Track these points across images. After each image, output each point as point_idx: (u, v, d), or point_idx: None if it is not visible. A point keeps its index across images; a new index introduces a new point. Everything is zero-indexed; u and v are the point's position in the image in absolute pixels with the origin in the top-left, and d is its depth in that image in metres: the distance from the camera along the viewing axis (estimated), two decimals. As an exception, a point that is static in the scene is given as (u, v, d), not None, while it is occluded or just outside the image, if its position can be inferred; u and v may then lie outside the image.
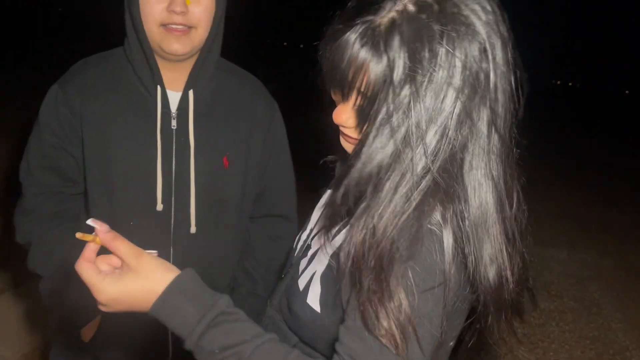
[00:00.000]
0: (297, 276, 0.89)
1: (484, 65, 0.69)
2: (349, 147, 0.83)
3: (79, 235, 0.74)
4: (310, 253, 0.91)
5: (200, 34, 1.13)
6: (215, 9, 1.14)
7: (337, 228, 0.82)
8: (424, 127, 0.68)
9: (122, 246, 0.73)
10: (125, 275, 0.72)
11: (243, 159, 1.25)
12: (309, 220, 1.01)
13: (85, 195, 1.22)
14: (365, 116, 0.73)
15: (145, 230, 1.18)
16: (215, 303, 0.73)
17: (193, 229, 1.21)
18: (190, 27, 1.11)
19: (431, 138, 0.69)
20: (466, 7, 0.69)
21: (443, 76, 0.67)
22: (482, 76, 0.69)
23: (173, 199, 1.19)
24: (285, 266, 1.02)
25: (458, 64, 0.68)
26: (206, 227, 1.22)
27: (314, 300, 0.82)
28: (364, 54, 0.70)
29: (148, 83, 1.17)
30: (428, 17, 0.68)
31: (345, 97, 0.75)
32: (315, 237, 0.92)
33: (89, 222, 0.74)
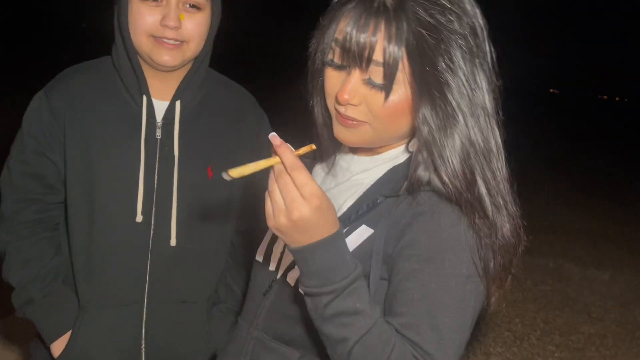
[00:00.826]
0: (289, 290, 0.88)
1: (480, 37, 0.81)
2: (346, 134, 0.85)
3: (234, 172, 0.72)
4: None
5: (192, 48, 1.12)
6: (210, 23, 1.13)
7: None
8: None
9: (301, 174, 0.71)
10: (307, 206, 0.70)
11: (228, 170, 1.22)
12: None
13: (65, 204, 1.20)
14: (377, 87, 0.79)
15: (124, 241, 1.17)
16: (355, 265, 0.76)
17: (173, 242, 1.18)
18: (182, 42, 1.10)
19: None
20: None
21: (457, 41, 0.77)
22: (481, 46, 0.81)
23: (154, 210, 1.17)
24: (255, 285, 0.98)
25: (466, 31, 0.78)
26: (187, 240, 1.19)
27: None
28: (382, 24, 0.76)
29: (134, 92, 1.16)
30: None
31: (362, 68, 0.79)
32: None
33: (271, 136, 0.73)
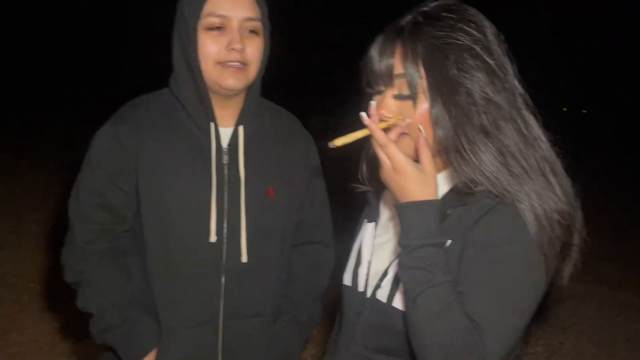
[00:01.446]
0: (381, 305, 0.98)
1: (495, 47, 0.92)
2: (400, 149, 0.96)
3: (338, 141, 0.89)
4: (391, 276, 0.99)
5: (252, 71, 1.22)
6: (264, 48, 1.23)
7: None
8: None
9: (425, 146, 0.90)
10: (415, 166, 0.89)
11: (286, 190, 1.32)
12: (360, 254, 1.09)
13: (139, 232, 1.26)
14: (405, 98, 0.92)
15: (200, 262, 1.24)
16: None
17: (244, 258, 1.26)
18: (245, 64, 1.19)
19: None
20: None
21: (468, 58, 0.89)
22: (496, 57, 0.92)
23: (225, 230, 1.25)
24: (347, 306, 1.09)
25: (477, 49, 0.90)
26: (254, 256, 1.27)
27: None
28: (398, 46, 0.91)
29: (201, 120, 1.24)
30: (443, 20, 0.91)
31: (390, 86, 0.93)
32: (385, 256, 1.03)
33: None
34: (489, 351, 0.84)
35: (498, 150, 0.88)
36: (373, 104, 0.91)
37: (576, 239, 0.93)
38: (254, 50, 1.20)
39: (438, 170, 0.98)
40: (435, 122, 0.90)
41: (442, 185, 0.98)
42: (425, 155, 0.88)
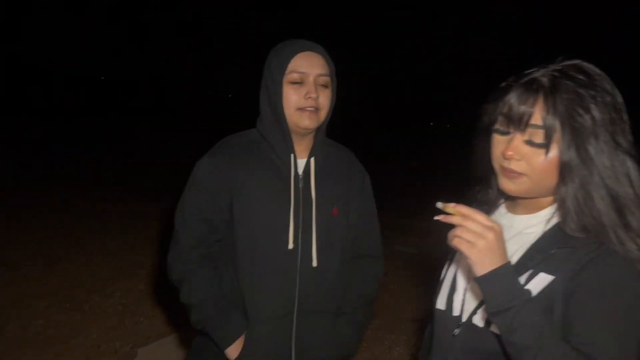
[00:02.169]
0: (478, 329, 1.07)
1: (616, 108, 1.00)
2: (510, 185, 1.06)
3: (440, 204, 0.99)
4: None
5: (322, 115, 1.52)
6: (332, 98, 1.54)
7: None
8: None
9: (479, 215, 0.97)
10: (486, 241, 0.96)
11: (345, 209, 1.61)
12: (456, 282, 1.18)
13: (230, 241, 1.55)
14: (536, 146, 1.00)
15: (279, 265, 1.52)
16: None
17: (315, 263, 1.54)
18: (317, 109, 1.49)
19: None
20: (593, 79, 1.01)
21: (596, 117, 0.97)
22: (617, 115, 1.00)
23: (300, 240, 1.53)
24: (440, 329, 1.18)
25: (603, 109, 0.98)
26: (322, 261, 1.55)
27: None
28: (540, 98, 0.99)
29: (283, 153, 1.54)
30: (578, 79, 0.99)
31: (521, 132, 1.02)
32: None
33: (446, 206, 0.99)
34: None
35: (616, 202, 0.97)
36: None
37: None
38: (324, 99, 1.50)
39: (541, 208, 1.09)
40: (561, 171, 0.99)
41: (545, 223, 1.07)
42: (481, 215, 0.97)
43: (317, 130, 1.56)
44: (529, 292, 0.97)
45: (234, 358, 1.52)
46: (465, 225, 0.96)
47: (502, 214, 1.18)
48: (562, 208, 1.02)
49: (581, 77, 0.99)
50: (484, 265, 0.95)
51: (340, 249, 1.61)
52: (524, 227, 1.11)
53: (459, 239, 0.96)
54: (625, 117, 1.01)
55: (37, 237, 4.65)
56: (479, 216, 0.96)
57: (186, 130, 13.74)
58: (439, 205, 0.99)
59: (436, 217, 0.98)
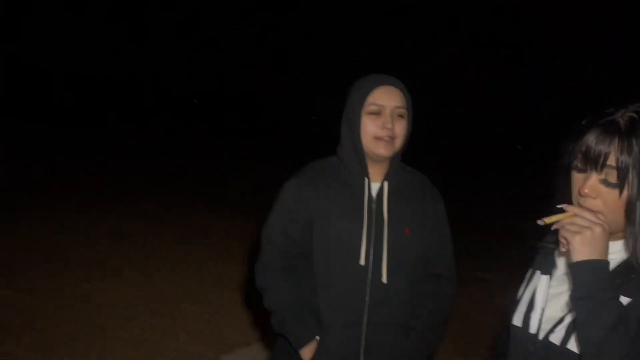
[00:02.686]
0: (554, 347, 1.12)
1: None
2: None
3: (541, 222, 1.08)
4: (565, 325, 1.12)
5: (397, 143, 1.66)
6: (407, 128, 1.67)
7: None
8: None
9: (589, 213, 1.05)
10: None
11: (418, 231, 1.72)
12: (533, 301, 1.23)
13: (309, 254, 1.71)
14: (611, 186, 1.05)
15: (351, 278, 1.66)
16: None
17: (385, 279, 1.66)
18: (393, 138, 1.63)
19: None
20: None
21: None
22: None
23: (372, 256, 1.66)
24: (516, 345, 1.23)
25: None
26: (392, 278, 1.66)
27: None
28: (616, 140, 1.04)
29: (358, 176, 1.69)
30: None
31: (597, 171, 1.07)
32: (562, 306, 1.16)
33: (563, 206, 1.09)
34: None
35: None
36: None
37: None
38: (400, 129, 1.64)
39: (615, 239, 1.12)
40: (626, 210, 1.05)
41: (622, 250, 1.12)
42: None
43: (393, 156, 1.69)
44: (618, 294, 1.01)
45: (308, 359, 1.67)
46: (575, 219, 1.03)
47: None
48: (627, 244, 1.07)
49: None
50: (583, 253, 1.01)
51: (412, 267, 1.71)
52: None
53: (567, 229, 1.03)
54: None
55: (137, 246, 5.10)
56: (588, 213, 1.04)
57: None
58: (541, 222, 1.07)
59: (545, 221, 1.06)
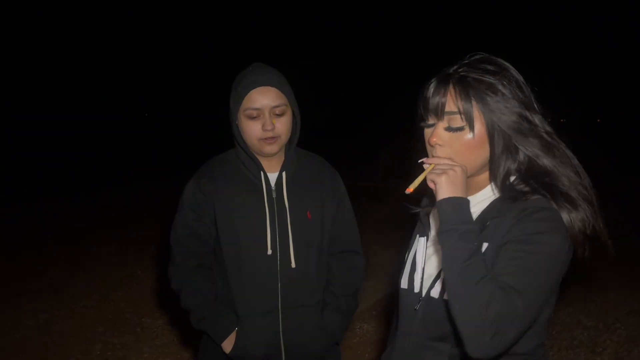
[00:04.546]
0: (435, 301, 1.20)
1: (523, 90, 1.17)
2: None
3: (412, 187, 1.15)
4: (442, 279, 1.19)
5: (283, 139, 1.71)
6: (292, 119, 1.72)
7: None
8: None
9: (446, 159, 1.14)
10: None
11: (320, 213, 1.78)
12: (414, 262, 1.31)
13: (219, 250, 1.77)
14: (454, 130, 1.14)
15: (261, 268, 1.72)
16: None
17: (293, 265, 1.73)
18: (276, 137, 1.68)
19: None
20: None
21: (503, 99, 1.13)
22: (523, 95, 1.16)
23: (278, 244, 1.72)
24: (404, 305, 1.30)
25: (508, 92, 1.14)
26: (301, 262, 1.73)
27: None
28: (450, 87, 1.14)
29: (254, 171, 1.75)
30: (484, 67, 1.15)
31: (441, 120, 1.16)
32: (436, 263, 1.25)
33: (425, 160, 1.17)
34: (522, 305, 0.99)
35: (535, 161, 1.14)
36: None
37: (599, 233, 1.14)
38: (282, 126, 1.68)
39: (480, 188, 1.22)
40: (490, 141, 1.14)
41: (483, 201, 1.20)
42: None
43: (289, 145, 1.76)
44: (477, 226, 1.09)
45: (229, 351, 1.73)
46: (439, 164, 1.13)
47: None
48: (494, 175, 1.17)
49: (487, 66, 1.15)
50: (447, 191, 1.09)
51: (318, 248, 1.79)
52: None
53: (433, 172, 1.12)
54: (531, 97, 1.17)
55: (92, 269, 5.06)
56: (445, 159, 1.13)
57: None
58: (408, 191, 1.15)
59: (411, 189, 1.14)
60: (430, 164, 1.15)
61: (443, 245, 1.07)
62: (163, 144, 15.43)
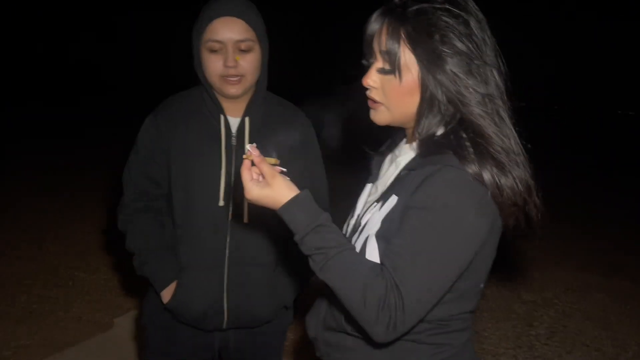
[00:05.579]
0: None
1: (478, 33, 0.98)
2: (373, 114, 1.08)
3: (245, 156, 1.07)
4: (360, 228, 1.11)
5: (249, 80, 1.52)
6: (261, 58, 1.52)
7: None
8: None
9: (264, 167, 1.05)
10: (265, 187, 1.05)
11: (286, 164, 1.57)
12: (355, 208, 1.23)
13: (169, 194, 1.61)
14: (385, 72, 1.01)
15: (210, 220, 1.56)
16: (318, 216, 1.01)
17: (246, 219, 1.58)
18: (240, 76, 1.49)
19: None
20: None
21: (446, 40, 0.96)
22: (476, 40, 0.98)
23: (231, 197, 1.56)
24: None
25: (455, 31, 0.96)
26: (255, 218, 1.58)
27: (373, 255, 1.02)
28: (385, 23, 0.99)
29: (214, 113, 1.56)
30: (428, 2, 0.97)
31: (375, 59, 1.03)
32: (367, 212, 1.12)
33: (249, 146, 1.06)
34: (408, 304, 0.91)
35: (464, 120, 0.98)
36: (248, 148, 1.07)
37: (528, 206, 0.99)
38: (247, 64, 1.48)
39: (408, 142, 1.11)
40: (420, 91, 0.99)
41: (410, 152, 1.09)
42: (267, 170, 1.05)
43: (256, 88, 1.57)
44: (325, 214, 1.02)
45: (167, 301, 1.60)
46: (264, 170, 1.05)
47: (400, 145, 1.18)
48: (416, 128, 1.04)
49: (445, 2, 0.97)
50: (279, 199, 1.03)
51: None
52: (399, 155, 1.13)
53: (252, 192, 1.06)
54: (481, 35, 0.98)
55: (26, 218, 4.79)
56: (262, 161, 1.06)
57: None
58: (245, 156, 1.08)
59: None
60: (248, 156, 1.06)
61: (303, 252, 1.01)
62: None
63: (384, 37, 0.99)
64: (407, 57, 0.98)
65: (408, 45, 0.97)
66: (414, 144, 1.07)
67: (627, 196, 6.94)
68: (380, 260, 1.00)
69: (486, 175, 0.93)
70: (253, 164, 1.06)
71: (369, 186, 1.24)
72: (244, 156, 1.06)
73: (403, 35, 0.97)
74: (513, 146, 0.99)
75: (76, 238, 4.39)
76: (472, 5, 1.01)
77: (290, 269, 1.69)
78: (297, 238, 1.01)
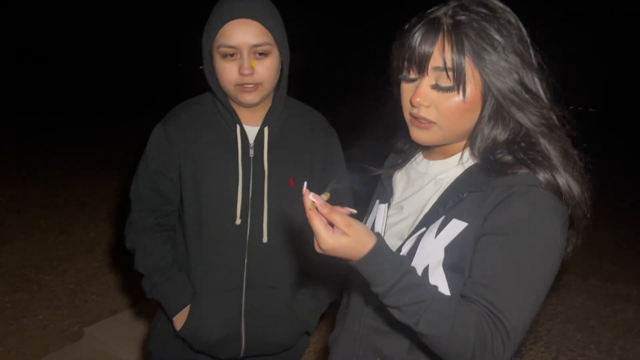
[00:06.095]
0: None
1: (523, 44, 0.95)
2: (421, 135, 1.01)
3: (309, 207, 0.90)
4: (406, 250, 1.01)
5: (266, 87, 1.35)
6: (280, 62, 1.36)
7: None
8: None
9: (336, 217, 0.88)
10: (343, 236, 0.87)
11: (305, 179, 1.39)
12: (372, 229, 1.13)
13: (181, 211, 1.46)
14: (443, 90, 0.94)
15: (227, 240, 1.41)
16: (402, 263, 0.89)
17: (265, 239, 1.42)
18: (257, 83, 1.33)
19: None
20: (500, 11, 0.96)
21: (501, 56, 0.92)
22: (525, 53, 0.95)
23: (249, 214, 1.40)
24: (356, 283, 1.12)
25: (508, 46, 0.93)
26: (276, 237, 1.43)
27: (440, 287, 0.94)
28: (439, 37, 0.92)
29: (230, 122, 1.40)
30: (480, 13, 0.93)
31: (426, 76, 0.95)
32: (409, 238, 1.03)
33: (311, 197, 0.89)
34: (511, 328, 0.87)
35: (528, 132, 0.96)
36: (308, 196, 0.90)
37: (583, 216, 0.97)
38: (264, 70, 1.32)
39: (452, 154, 1.05)
40: (482, 105, 0.95)
41: (457, 167, 1.03)
42: (340, 219, 0.88)
43: (276, 94, 1.42)
44: (406, 258, 0.95)
45: (179, 329, 1.45)
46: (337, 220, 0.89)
47: (418, 161, 1.14)
48: (474, 142, 0.99)
49: (482, 10, 0.94)
50: (357, 251, 0.88)
51: (300, 223, 1.44)
52: (438, 173, 1.06)
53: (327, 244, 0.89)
54: (531, 49, 0.97)
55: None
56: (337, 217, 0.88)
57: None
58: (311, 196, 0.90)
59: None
60: (313, 206, 0.88)
61: (389, 304, 0.90)
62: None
63: (440, 51, 0.93)
64: (471, 71, 0.93)
65: (471, 58, 0.92)
66: (466, 160, 1.02)
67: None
68: (462, 294, 0.93)
69: (563, 186, 0.92)
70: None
71: (383, 207, 1.14)
72: (309, 207, 0.89)
73: (466, 49, 0.92)
74: (572, 153, 0.97)
75: (42, 237, 4.13)
76: (508, 9, 0.98)
77: (312, 292, 1.55)
78: (381, 290, 0.88)
